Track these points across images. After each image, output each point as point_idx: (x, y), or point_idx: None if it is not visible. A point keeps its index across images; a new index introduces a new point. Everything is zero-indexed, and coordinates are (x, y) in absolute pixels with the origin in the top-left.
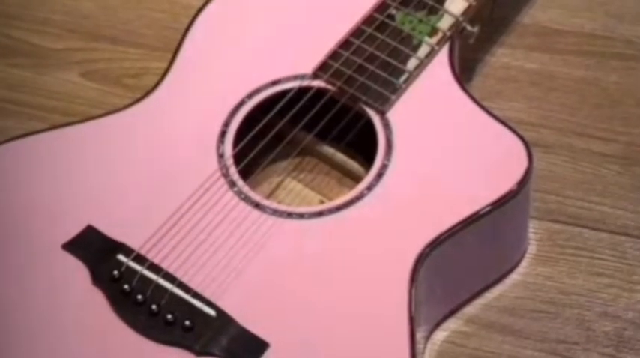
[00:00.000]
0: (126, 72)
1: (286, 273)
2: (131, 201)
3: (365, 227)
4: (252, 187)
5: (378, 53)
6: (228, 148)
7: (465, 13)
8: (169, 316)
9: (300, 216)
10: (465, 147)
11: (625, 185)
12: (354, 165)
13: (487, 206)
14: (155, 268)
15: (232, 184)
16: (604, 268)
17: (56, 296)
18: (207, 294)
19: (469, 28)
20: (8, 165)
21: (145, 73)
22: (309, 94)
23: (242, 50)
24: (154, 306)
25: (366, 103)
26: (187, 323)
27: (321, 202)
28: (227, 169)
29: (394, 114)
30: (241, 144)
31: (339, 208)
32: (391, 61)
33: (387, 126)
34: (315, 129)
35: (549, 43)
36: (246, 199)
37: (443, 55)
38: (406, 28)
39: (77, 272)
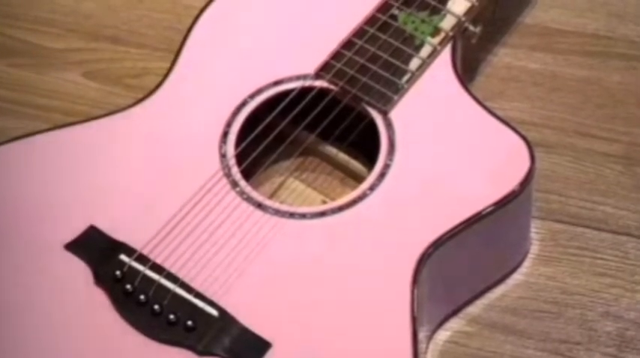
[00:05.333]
0: (127, 72)
1: (288, 273)
2: (133, 201)
3: (367, 227)
4: (255, 187)
5: (380, 53)
6: (230, 148)
7: (467, 13)
8: (172, 316)
9: (303, 216)
10: (468, 147)
11: (627, 185)
12: (356, 165)
13: (490, 206)
14: (157, 268)
15: (235, 184)
16: (606, 268)
17: (59, 296)
18: (209, 294)
19: (471, 28)
20: (10, 165)
21: (146, 73)
22: (311, 94)
23: (244, 50)
24: (156, 306)
25: (369, 103)
26: (189, 323)
27: (324, 202)
28: (229, 169)
29: (396, 114)
30: (244, 145)
31: (341, 208)
32: (393, 61)
33: (389, 126)
34: (317, 129)
35: (552, 43)
36: (249, 199)
37: (445, 55)
38: (409, 28)
39: (79, 272)
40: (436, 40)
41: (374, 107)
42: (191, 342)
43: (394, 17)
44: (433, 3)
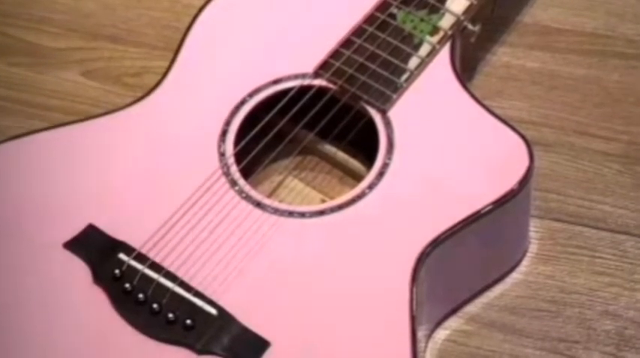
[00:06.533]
0: (126, 71)
1: (287, 272)
2: (132, 199)
3: (366, 226)
4: (254, 186)
5: (379, 52)
6: (229, 147)
7: (466, 11)
8: (170, 315)
9: (302, 214)
10: (466, 146)
11: (626, 184)
12: (355, 163)
13: (488, 205)
14: (156, 267)
15: (233, 183)
16: (605, 267)
17: (57, 295)
18: (208, 293)
19: (470, 26)
20: (9, 164)
21: (145, 72)
22: (310, 93)
23: (243, 49)
24: (155, 305)
25: (368, 102)
26: (188, 322)
27: (323, 201)
28: (228, 168)
29: (395, 113)
30: (242, 143)
31: (340, 207)
32: (392, 59)
33: (388, 125)
34: (316, 127)
35: (550, 41)
36: (248, 198)
37: (444, 54)
38: (407, 27)
39: (78, 271)
40: (435, 39)
41: (373, 106)
42: (190, 341)
43: (393, 16)
44: (432, 2)
